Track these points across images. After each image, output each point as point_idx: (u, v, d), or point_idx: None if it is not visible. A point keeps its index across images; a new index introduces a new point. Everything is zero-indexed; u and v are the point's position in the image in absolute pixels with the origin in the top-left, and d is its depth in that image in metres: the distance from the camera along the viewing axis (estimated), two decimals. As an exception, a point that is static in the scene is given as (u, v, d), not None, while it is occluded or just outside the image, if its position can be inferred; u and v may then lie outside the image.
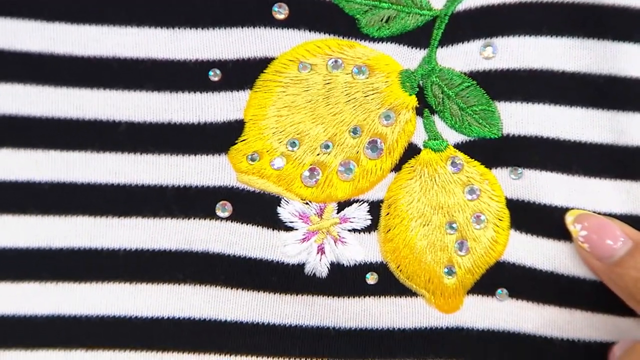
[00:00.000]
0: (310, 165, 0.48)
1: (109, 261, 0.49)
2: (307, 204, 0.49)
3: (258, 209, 0.49)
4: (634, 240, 0.46)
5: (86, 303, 0.49)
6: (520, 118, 0.48)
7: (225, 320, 0.49)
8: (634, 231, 0.47)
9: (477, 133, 0.48)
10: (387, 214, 0.48)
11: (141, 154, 0.49)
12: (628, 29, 0.47)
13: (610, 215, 0.48)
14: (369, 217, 0.49)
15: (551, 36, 0.48)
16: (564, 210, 0.48)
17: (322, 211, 0.49)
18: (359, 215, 0.49)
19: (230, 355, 0.49)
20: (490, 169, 0.48)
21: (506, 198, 0.49)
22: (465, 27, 0.48)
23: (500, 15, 0.47)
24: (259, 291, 0.49)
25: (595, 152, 0.48)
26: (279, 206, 0.49)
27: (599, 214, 0.48)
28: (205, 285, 0.49)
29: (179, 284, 0.49)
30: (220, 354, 0.49)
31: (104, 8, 0.48)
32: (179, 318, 0.49)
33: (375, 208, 0.49)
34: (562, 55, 0.48)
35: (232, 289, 0.49)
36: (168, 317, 0.49)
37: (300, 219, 0.49)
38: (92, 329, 0.49)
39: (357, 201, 0.49)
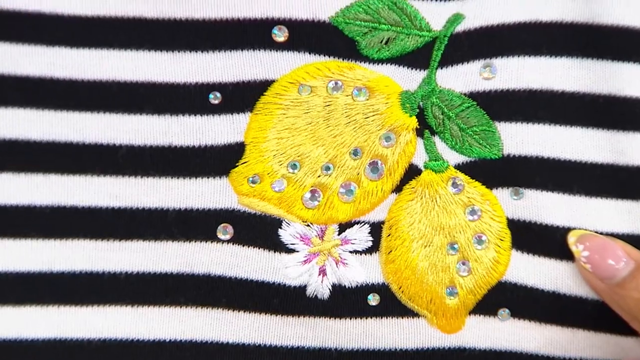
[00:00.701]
0: (311, 187, 0.48)
1: (111, 284, 0.49)
2: (308, 225, 0.49)
3: (259, 231, 0.49)
4: (636, 261, 0.46)
5: (88, 326, 0.50)
6: (521, 138, 0.48)
7: (227, 343, 0.49)
8: (637, 252, 0.47)
9: (478, 154, 0.48)
10: (389, 235, 0.48)
11: (142, 177, 0.49)
12: (627, 49, 0.47)
13: (611, 235, 0.48)
14: (371, 238, 0.49)
15: (551, 56, 0.48)
16: (565, 230, 0.48)
17: (324, 233, 0.49)
18: (360, 236, 0.49)
19: None
20: (491, 189, 0.49)
21: (507, 218, 0.49)
22: (465, 48, 0.48)
23: (499, 36, 0.48)
24: (260, 313, 0.49)
25: (595, 172, 0.48)
26: (280, 228, 0.49)
27: (601, 233, 0.48)
28: (207, 308, 0.49)
29: (181, 307, 0.49)
30: None
31: (103, 32, 0.48)
32: (180, 341, 0.49)
33: (376, 229, 0.49)
34: (561, 75, 0.48)
35: (233, 311, 0.49)
36: (170, 340, 0.49)
37: (301, 240, 0.49)
38: (94, 352, 0.49)
39: (358, 222, 0.49)
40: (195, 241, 0.49)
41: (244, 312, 0.49)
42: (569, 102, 0.48)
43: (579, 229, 0.48)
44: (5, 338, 0.50)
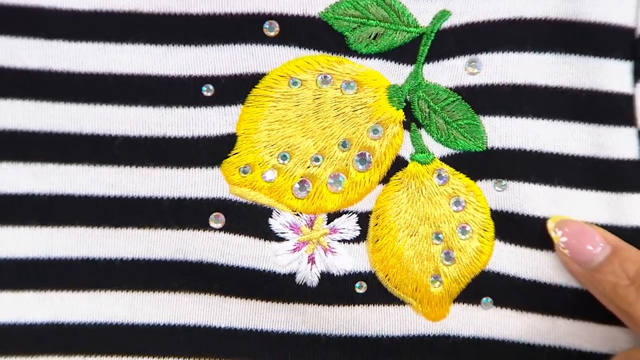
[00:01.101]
0: (301, 177, 0.50)
1: (106, 270, 0.51)
2: (297, 215, 0.50)
3: (250, 220, 0.50)
4: (613, 245, 0.47)
5: (84, 311, 0.51)
6: (504, 132, 0.49)
7: (219, 327, 0.51)
8: (613, 237, 0.48)
9: (463, 146, 0.49)
10: (376, 224, 0.50)
11: (137, 167, 0.50)
12: (609, 46, 0.49)
13: None
14: (358, 227, 0.50)
15: (534, 52, 0.49)
16: (546, 221, 0.49)
17: (312, 222, 0.50)
18: (348, 226, 0.50)
19: None
20: (475, 181, 0.50)
21: (491, 209, 0.50)
22: (451, 43, 0.49)
23: (485, 32, 0.49)
24: (251, 299, 0.50)
25: (577, 165, 0.49)
26: (271, 217, 0.50)
27: None
28: (199, 294, 0.51)
29: (174, 293, 0.51)
30: None
31: (100, 26, 0.49)
32: (173, 325, 0.51)
33: (364, 219, 0.50)
34: (545, 70, 0.49)
35: (225, 297, 0.51)
36: (163, 324, 0.51)
37: (291, 229, 0.50)
38: (89, 336, 0.51)
39: (346, 212, 0.50)
40: (188, 229, 0.51)
41: (235, 297, 0.51)
42: (552, 96, 0.49)
43: None
44: (4, 322, 0.51)
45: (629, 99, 0.49)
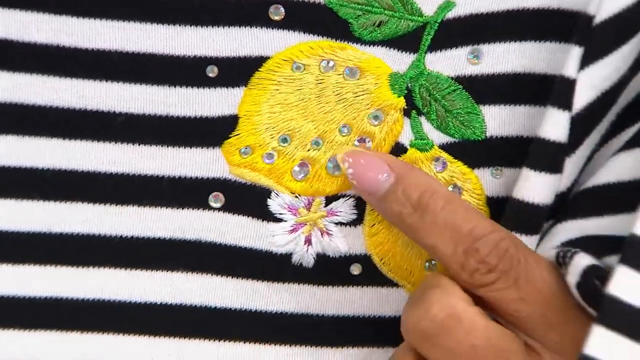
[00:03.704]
0: (301, 160, 0.50)
1: (105, 247, 0.52)
2: (296, 197, 0.51)
3: (249, 200, 0.51)
4: (397, 173, 0.46)
5: (83, 286, 0.52)
6: (503, 120, 0.50)
7: (215, 307, 0.52)
8: (402, 164, 0.48)
9: (462, 135, 0.50)
10: (372, 209, 0.50)
11: (138, 144, 0.51)
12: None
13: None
14: (355, 211, 0.51)
15: (535, 41, 0.49)
16: (540, 208, 0.50)
17: (310, 204, 0.51)
18: (345, 209, 0.51)
19: (219, 340, 0.52)
20: (473, 169, 0.50)
21: (487, 196, 0.51)
22: (454, 34, 0.49)
23: (487, 23, 0.49)
24: (247, 279, 0.51)
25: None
26: (269, 198, 0.51)
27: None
28: (196, 273, 0.52)
29: (172, 272, 0.52)
30: (209, 339, 0.52)
31: (107, 3, 0.50)
32: (170, 304, 0.52)
33: (361, 203, 0.51)
34: (545, 59, 0.49)
35: (222, 276, 0.51)
36: (160, 303, 0.52)
37: (289, 211, 0.51)
38: (87, 311, 0.52)
39: (344, 196, 0.51)
40: (188, 208, 0.51)
41: (232, 277, 0.52)
42: (551, 84, 0.49)
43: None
44: (3, 294, 0.52)
45: None
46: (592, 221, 0.47)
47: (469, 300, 0.44)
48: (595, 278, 0.41)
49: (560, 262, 0.44)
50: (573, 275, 0.42)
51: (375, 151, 0.50)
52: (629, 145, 0.47)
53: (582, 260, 0.42)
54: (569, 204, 0.49)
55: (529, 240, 0.47)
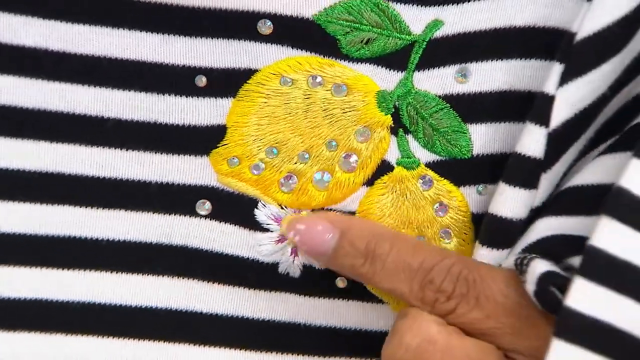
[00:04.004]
0: (287, 172, 0.50)
1: (92, 250, 0.52)
2: (282, 208, 0.51)
3: (236, 209, 0.51)
4: (340, 228, 0.47)
5: (69, 289, 0.52)
6: (489, 138, 0.50)
7: (201, 312, 0.52)
8: (342, 218, 0.48)
9: (448, 153, 0.50)
10: None
11: (127, 150, 0.51)
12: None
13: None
14: None
15: (521, 59, 0.49)
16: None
17: (297, 217, 0.51)
18: (331, 224, 0.51)
19: (204, 346, 0.53)
20: (459, 186, 0.50)
21: (472, 213, 0.51)
22: (442, 52, 0.49)
23: (475, 41, 0.49)
24: (234, 286, 0.52)
25: None
26: (257, 208, 0.51)
27: None
28: (183, 278, 0.52)
29: (158, 276, 0.52)
30: (195, 344, 0.53)
31: (97, 10, 0.50)
32: (156, 308, 0.52)
33: None
34: (530, 76, 0.49)
35: (208, 282, 0.52)
36: (146, 307, 0.52)
37: (275, 222, 0.51)
38: (73, 314, 0.52)
39: (330, 210, 0.51)
40: (175, 214, 0.52)
41: (219, 284, 0.52)
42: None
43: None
44: None
45: None
46: (568, 220, 0.47)
47: (440, 321, 0.45)
48: (552, 284, 0.42)
49: (519, 269, 0.44)
50: (530, 283, 0.42)
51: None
52: (614, 148, 0.47)
53: (538, 267, 0.42)
54: (550, 201, 0.48)
55: (502, 255, 0.48)
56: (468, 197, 0.51)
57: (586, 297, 0.40)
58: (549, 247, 0.46)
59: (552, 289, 0.42)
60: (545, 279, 0.42)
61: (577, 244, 0.44)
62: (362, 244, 0.46)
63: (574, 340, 0.40)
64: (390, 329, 0.46)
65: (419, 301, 0.45)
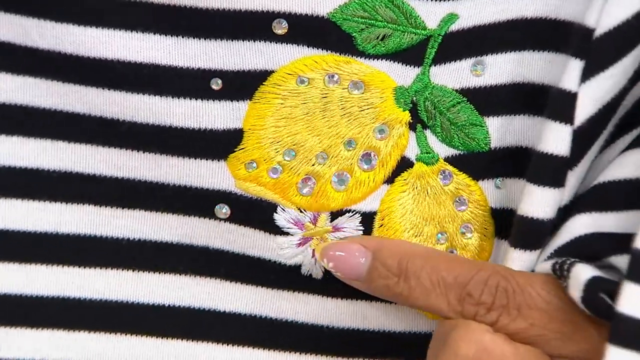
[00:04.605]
0: (305, 175, 0.50)
1: (113, 249, 0.52)
2: (301, 211, 0.50)
3: (255, 214, 0.51)
4: (372, 250, 0.47)
5: (90, 287, 0.52)
6: (505, 130, 0.50)
7: (224, 312, 0.52)
8: (373, 240, 0.49)
9: (467, 147, 0.50)
10: (381, 225, 0.50)
11: (143, 152, 0.51)
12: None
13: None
14: (361, 227, 0.50)
15: (534, 51, 0.49)
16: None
17: (316, 219, 0.50)
18: (351, 225, 0.50)
19: (227, 345, 0.52)
20: (478, 180, 0.50)
21: (491, 208, 0.51)
22: (458, 46, 0.49)
23: (490, 34, 0.49)
24: (257, 286, 0.52)
25: None
26: (275, 213, 0.50)
27: None
28: (205, 278, 0.52)
29: (180, 275, 0.52)
30: (217, 343, 0.52)
31: (108, 13, 0.50)
32: (178, 306, 0.52)
33: (367, 218, 0.50)
34: (543, 68, 0.49)
35: (231, 282, 0.52)
36: (168, 305, 0.52)
37: (295, 225, 0.51)
38: (94, 312, 0.52)
39: (350, 211, 0.50)
40: (194, 216, 0.52)
41: (242, 283, 0.52)
42: (547, 94, 0.49)
43: None
44: (11, 293, 0.52)
45: None
46: (602, 216, 0.47)
47: (491, 329, 0.44)
48: (601, 291, 0.41)
49: (558, 274, 0.44)
50: (576, 289, 0.42)
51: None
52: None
53: (583, 273, 0.42)
54: (580, 199, 0.48)
55: (534, 256, 0.47)
56: (486, 191, 0.51)
57: (638, 301, 0.40)
58: (586, 247, 0.46)
59: (602, 296, 0.41)
60: (593, 284, 0.42)
61: (615, 241, 0.44)
62: (394, 263, 0.47)
63: (629, 346, 0.39)
64: (434, 343, 0.46)
65: (458, 315, 0.45)
